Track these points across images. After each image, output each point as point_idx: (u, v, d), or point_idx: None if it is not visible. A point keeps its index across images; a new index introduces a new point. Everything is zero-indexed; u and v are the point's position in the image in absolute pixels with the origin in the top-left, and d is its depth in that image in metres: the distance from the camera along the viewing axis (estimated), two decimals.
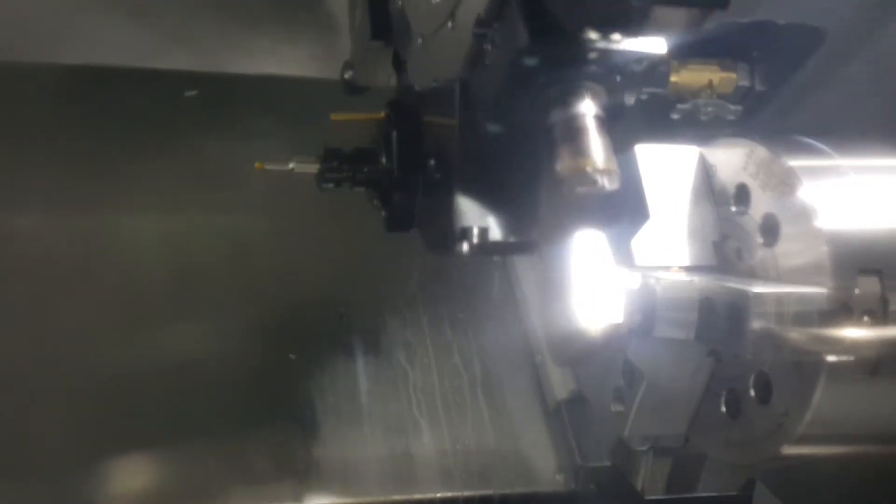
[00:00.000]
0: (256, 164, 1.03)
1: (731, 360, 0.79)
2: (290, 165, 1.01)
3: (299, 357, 1.22)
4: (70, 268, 1.25)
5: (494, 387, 1.22)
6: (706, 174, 0.83)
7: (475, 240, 0.86)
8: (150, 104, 1.36)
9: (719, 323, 0.72)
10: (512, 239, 0.87)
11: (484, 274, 1.31)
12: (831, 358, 0.67)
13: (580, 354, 0.75)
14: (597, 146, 0.73)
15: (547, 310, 0.77)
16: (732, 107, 0.95)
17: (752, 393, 0.76)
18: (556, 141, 0.75)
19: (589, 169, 0.72)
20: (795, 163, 0.74)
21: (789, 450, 0.74)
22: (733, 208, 0.80)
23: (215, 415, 1.15)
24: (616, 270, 0.74)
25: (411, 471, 1.14)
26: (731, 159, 0.81)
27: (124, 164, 1.32)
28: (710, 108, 0.93)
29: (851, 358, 0.67)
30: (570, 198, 0.73)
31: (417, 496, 1.10)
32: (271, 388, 1.19)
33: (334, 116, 1.05)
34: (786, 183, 0.73)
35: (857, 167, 0.75)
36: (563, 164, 0.73)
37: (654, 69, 0.74)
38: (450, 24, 0.84)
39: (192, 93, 1.38)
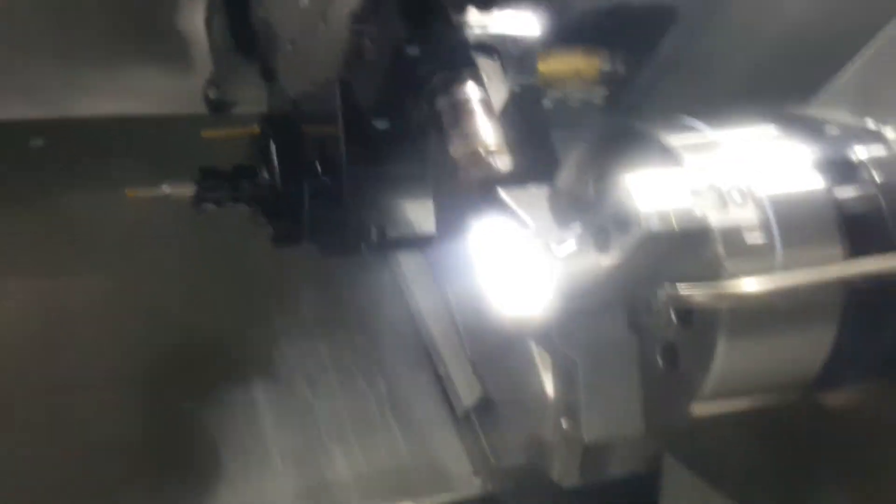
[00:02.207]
0: (128, 192, 1.01)
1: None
2: (164, 189, 1.00)
3: (195, 405, 1.20)
4: None
5: (402, 403, 1.24)
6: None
7: (374, 238, 0.89)
8: None
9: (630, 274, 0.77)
10: (412, 233, 0.90)
11: (376, 292, 1.33)
12: (727, 315, 0.74)
13: (501, 348, 0.80)
14: (486, 129, 0.77)
15: (462, 310, 0.81)
16: (599, 91, 1.01)
17: (660, 362, 0.83)
18: (446, 127, 0.78)
19: (482, 152, 0.75)
20: None
21: (699, 410, 0.81)
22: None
23: (111, 478, 1.11)
24: (525, 259, 0.79)
25: (330, 497, 1.15)
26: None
27: None
28: (578, 95, 1.00)
29: (747, 312, 0.74)
30: (468, 182, 0.76)
31: None
32: (169, 440, 1.16)
33: (206, 134, 1.05)
34: None
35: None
36: (455, 150, 0.76)
37: (529, 52, 0.80)
38: (322, 24, 0.86)
39: (39, 142, 1.33)
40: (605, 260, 0.77)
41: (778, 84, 0.91)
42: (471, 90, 0.78)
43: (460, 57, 0.78)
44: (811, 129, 0.82)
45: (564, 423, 0.89)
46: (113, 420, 1.17)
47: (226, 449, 1.16)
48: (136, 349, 1.23)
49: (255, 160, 1.02)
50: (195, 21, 1.20)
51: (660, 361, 0.83)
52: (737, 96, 0.89)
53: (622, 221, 0.75)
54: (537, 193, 0.92)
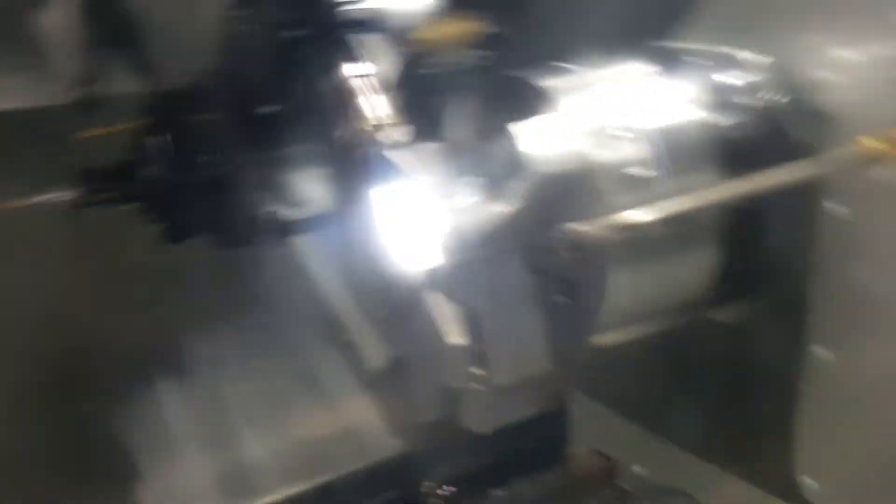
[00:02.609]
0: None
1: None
2: (41, 197, 0.97)
3: (96, 406, 1.16)
4: None
5: (310, 376, 1.24)
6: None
7: (266, 224, 0.89)
8: None
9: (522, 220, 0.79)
10: (305, 215, 0.91)
11: (274, 268, 1.31)
12: (618, 246, 0.78)
13: (403, 307, 0.81)
14: (372, 104, 0.78)
15: (364, 274, 0.82)
16: (485, 54, 1.05)
17: (560, 299, 0.87)
18: (332, 107, 0.79)
19: (372, 127, 0.77)
20: None
21: (599, 340, 0.86)
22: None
23: (20, 489, 1.08)
24: (421, 215, 0.81)
25: (247, 479, 1.14)
26: None
27: None
28: (465, 59, 1.02)
29: (636, 241, 0.78)
30: (362, 158, 0.77)
31: (266, 500, 1.10)
32: (75, 445, 1.12)
33: (84, 133, 1.02)
34: None
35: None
36: (343, 128, 0.78)
37: (411, 22, 0.81)
38: (192, 12, 0.85)
39: None
40: (499, 207, 0.80)
41: (646, 22, 0.95)
42: (353, 68, 0.80)
43: (339, 36, 0.79)
44: (678, 61, 0.87)
45: (474, 370, 0.91)
46: (13, 430, 1.12)
47: (134, 446, 1.13)
48: (29, 356, 1.18)
49: (136, 156, 0.99)
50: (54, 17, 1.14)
51: (558, 298, 0.87)
52: (611, 39, 0.93)
53: (512, 168, 0.77)
54: (427, 150, 0.94)
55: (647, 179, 0.78)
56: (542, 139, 0.77)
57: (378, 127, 0.77)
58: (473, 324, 0.90)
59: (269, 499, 1.12)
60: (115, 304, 1.23)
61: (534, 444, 1.22)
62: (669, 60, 0.86)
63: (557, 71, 0.85)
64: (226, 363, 1.23)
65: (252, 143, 0.88)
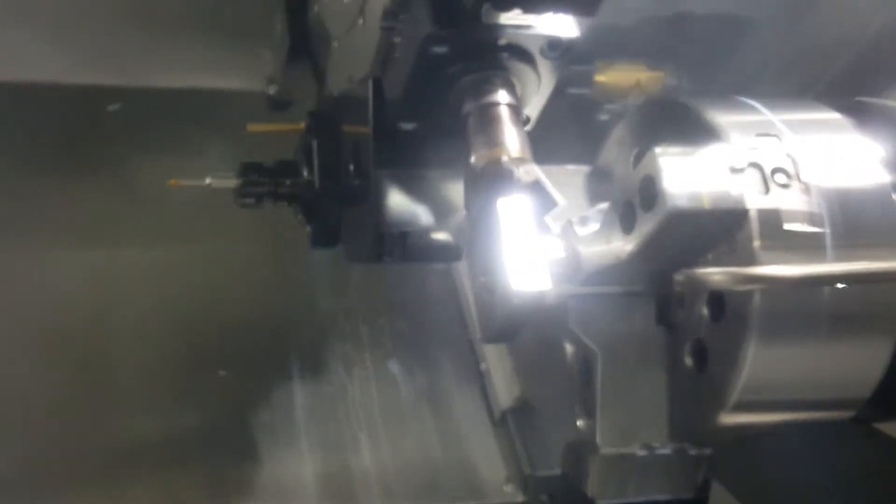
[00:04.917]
0: (171, 181, 1.01)
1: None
2: (207, 181, 0.99)
3: (231, 374, 1.19)
4: None
5: (438, 398, 1.20)
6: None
7: (395, 246, 0.86)
8: (70, 121, 1.35)
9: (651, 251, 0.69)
10: (435, 243, 0.87)
11: (425, 281, 1.29)
12: (759, 308, 0.66)
13: (506, 325, 0.74)
14: (511, 135, 0.73)
15: (473, 285, 0.76)
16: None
17: (689, 362, 0.76)
18: (470, 131, 0.75)
19: (504, 159, 0.71)
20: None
21: (727, 419, 0.73)
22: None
23: (145, 435, 1.12)
24: (539, 239, 0.73)
25: (351, 488, 1.11)
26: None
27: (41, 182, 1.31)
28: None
29: (785, 307, 0.66)
30: (488, 189, 0.72)
31: None
32: (202, 406, 1.16)
33: (251, 128, 1.04)
34: None
35: None
36: (478, 155, 0.73)
37: (568, 54, 0.74)
38: (361, 21, 0.84)
39: (116, 106, 1.36)
40: (628, 240, 0.71)
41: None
42: (499, 95, 0.75)
43: (490, 59, 0.75)
44: (880, 118, 0.74)
45: (580, 424, 0.82)
46: (153, 386, 1.18)
47: (256, 422, 1.15)
48: (180, 318, 1.23)
49: (299, 157, 1.00)
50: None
51: (687, 360, 0.76)
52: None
53: (648, 198, 0.68)
54: (574, 171, 0.87)
55: (809, 239, 0.66)
56: (686, 170, 0.67)
57: (511, 160, 0.72)
58: (586, 370, 0.81)
59: None
60: (270, 281, 1.25)
61: None
62: (868, 115, 0.73)
63: (732, 103, 0.75)
64: (358, 366, 1.22)
65: (392, 159, 0.85)
